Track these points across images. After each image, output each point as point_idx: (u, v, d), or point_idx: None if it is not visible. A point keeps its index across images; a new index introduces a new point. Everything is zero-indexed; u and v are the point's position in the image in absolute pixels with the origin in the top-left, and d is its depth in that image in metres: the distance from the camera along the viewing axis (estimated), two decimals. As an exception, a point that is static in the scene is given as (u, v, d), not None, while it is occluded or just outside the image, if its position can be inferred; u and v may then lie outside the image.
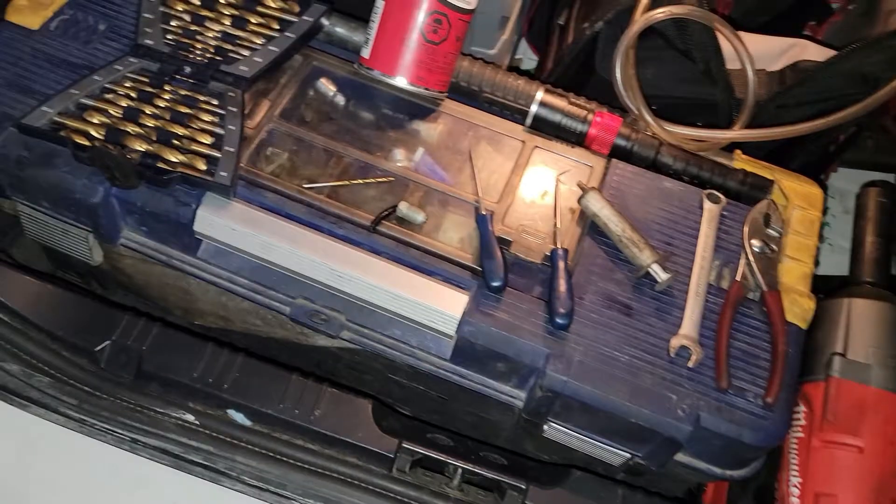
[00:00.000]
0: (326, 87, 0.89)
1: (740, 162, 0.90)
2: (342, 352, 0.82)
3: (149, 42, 0.85)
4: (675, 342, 0.74)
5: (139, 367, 0.80)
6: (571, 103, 0.87)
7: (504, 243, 0.80)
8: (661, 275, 0.77)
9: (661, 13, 0.87)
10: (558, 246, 0.78)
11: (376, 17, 0.84)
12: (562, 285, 0.75)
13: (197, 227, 0.78)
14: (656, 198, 0.84)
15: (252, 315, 0.83)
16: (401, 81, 0.85)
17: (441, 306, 0.75)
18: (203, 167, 0.78)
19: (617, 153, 0.87)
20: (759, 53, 0.94)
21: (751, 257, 0.79)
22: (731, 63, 0.95)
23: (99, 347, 0.81)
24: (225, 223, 0.77)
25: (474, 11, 0.86)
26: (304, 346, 0.83)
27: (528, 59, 1.45)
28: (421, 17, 0.82)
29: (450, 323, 0.75)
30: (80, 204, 0.78)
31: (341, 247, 0.77)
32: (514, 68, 1.14)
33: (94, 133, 0.78)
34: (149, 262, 0.83)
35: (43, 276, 0.85)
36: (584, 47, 1.01)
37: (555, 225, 0.80)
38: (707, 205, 0.83)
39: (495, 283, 0.75)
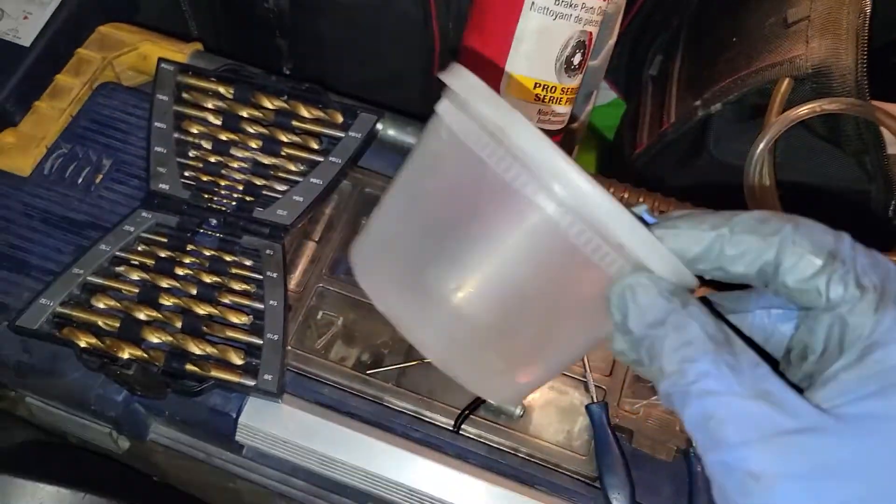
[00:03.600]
0: (383, 219, 0.72)
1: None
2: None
3: (163, 187, 0.69)
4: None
5: (185, 587, 0.67)
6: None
7: (623, 432, 0.63)
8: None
9: (805, 110, 0.67)
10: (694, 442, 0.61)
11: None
12: (706, 505, 0.58)
13: (239, 437, 0.62)
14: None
15: (313, 521, 0.68)
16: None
17: (551, 536, 0.59)
18: (240, 361, 0.62)
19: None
20: (929, 134, 0.73)
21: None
22: (891, 146, 0.75)
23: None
24: (273, 434, 0.62)
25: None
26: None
27: (603, 90, 1.25)
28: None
29: (564, 557, 0.59)
30: (97, 413, 0.64)
31: (419, 459, 0.61)
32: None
33: (105, 326, 0.62)
34: (185, 458, 0.68)
35: (62, 477, 0.71)
36: (694, 125, 0.81)
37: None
38: None
39: None
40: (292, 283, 0.68)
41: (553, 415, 0.63)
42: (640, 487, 0.61)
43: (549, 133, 0.64)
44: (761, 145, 0.68)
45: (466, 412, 0.62)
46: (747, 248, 0.29)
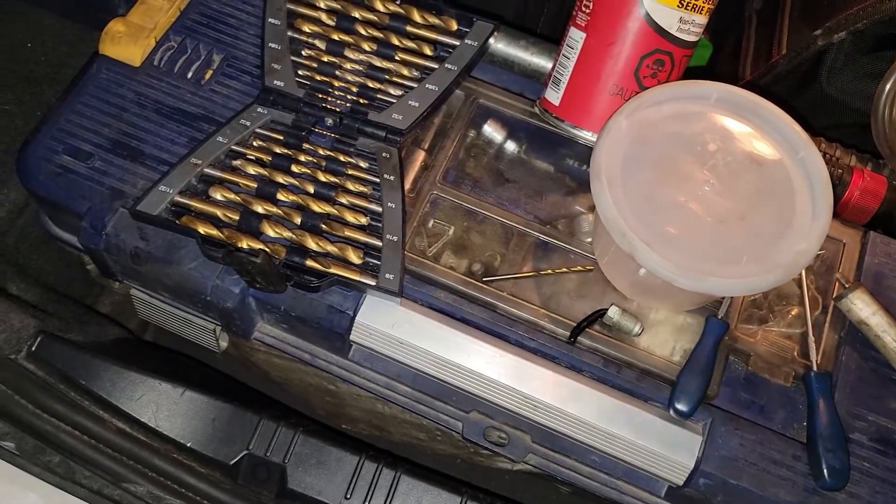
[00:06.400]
0: (494, 132, 0.70)
1: None
2: (527, 476, 0.67)
3: (278, 84, 0.67)
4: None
5: (282, 485, 0.67)
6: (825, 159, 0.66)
7: (739, 355, 0.62)
8: (958, 413, 0.59)
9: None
10: (815, 367, 0.60)
11: (572, 55, 0.64)
12: (828, 430, 0.57)
13: (354, 337, 0.62)
14: (933, 288, 0.65)
15: (414, 427, 0.69)
16: (605, 139, 0.65)
17: (667, 450, 0.59)
18: (358, 260, 0.61)
19: (877, 223, 0.67)
20: None
21: None
22: None
23: (234, 460, 0.68)
24: (389, 335, 0.61)
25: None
26: (478, 466, 0.69)
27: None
28: (636, 58, 0.61)
29: (678, 472, 0.59)
30: (210, 305, 0.63)
31: (533, 367, 0.61)
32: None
33: (223, 218, 0.62)
34: (287, 359, 0.69)
35: (161, 375, 0.71)
36: (809, 57, 0.79)
37: (807, 335, 0.62)
38: None
39: (681, 408, 0.57)
40: (405, 188, 0.67)
41: (669, 333, 0.63)
42: (754, 410, 0.61)
43: (685, 44, 0.62)
44: (892, 79, 0.66)
45: (584, 325, 0.61)
46: None
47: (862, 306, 0.61)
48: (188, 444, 0.68)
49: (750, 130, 0.59)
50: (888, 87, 0.67)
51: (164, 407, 0.69)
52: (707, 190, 0.56)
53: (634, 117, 0.58)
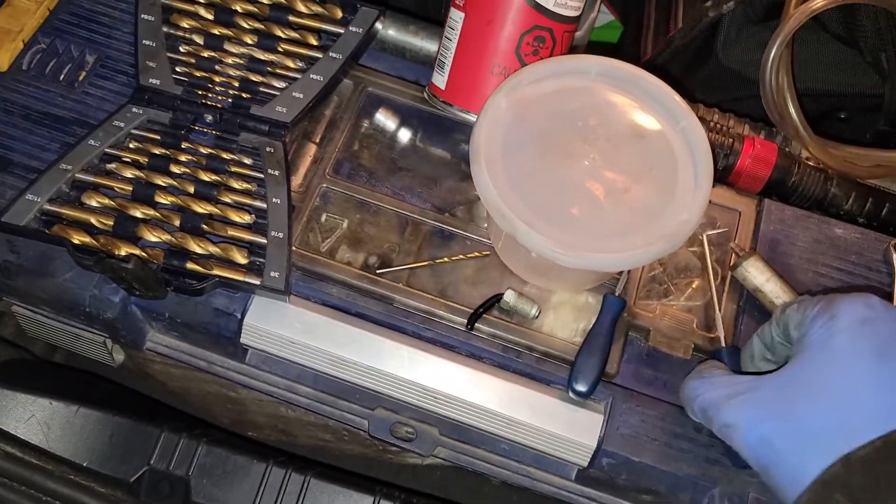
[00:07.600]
0: (385, 120, 0.68)
1: (927, 189, 0.70)
2: (437, 469, 0.66)
3: (154, 82, 0.65)
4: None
5: (187, 498, 0.65)
6: (713, 128, 0.66)
7: (639, 332, 0.62)
8: (852, 373, 0.58)
9: (825, 1, 0.65)
10: (722, 342, 0.60)
11: (453, 36, 0.62)
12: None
13: (244, 340, 0.60)
14: (826, 251, 0.65)
15: (320, 429, 0.67)
16: (491, 121, 0.64)
17: (568, 433, 0.58)
18: (243, 260, 0.59)
19: (771, 190, 0.67)
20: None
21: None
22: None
23: (135, 476, 0.65)
24: (280, 335, 0.59)
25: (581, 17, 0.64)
26: (387, 463, 0.67)
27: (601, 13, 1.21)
28: (516, 36, 0.60)
29: (582, 453, 0.58)
30: (92, 316, 0.60)
31: (432, 357, 0.59)
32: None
33: (98, 224, 0.59)
34: (184, 368, 0.66)
35: (52, 393, 0.68)
36: (703, 29, 0.79)
37: (716, 310, 0.61)
38: (898, 261, 0.64)
39: (579, 388, 0.57)
40: (294, 184, 0.65)
41: (569, 314, 0.62)
42: (656, 386, 0.60)
43: (564, 19, 0.61)
44: (779, 39, 0.66)
45: (480, 311, 0.60)
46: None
47: (756, 273, 0.61)
48: (84, 464, 0.65)
49: (631, 103, 0.58)
50: (773, 53, 0.67)
51: (56, 427, 0.65)
52: (589, 165, 0.55)
53: (514, 96, 0.57)
